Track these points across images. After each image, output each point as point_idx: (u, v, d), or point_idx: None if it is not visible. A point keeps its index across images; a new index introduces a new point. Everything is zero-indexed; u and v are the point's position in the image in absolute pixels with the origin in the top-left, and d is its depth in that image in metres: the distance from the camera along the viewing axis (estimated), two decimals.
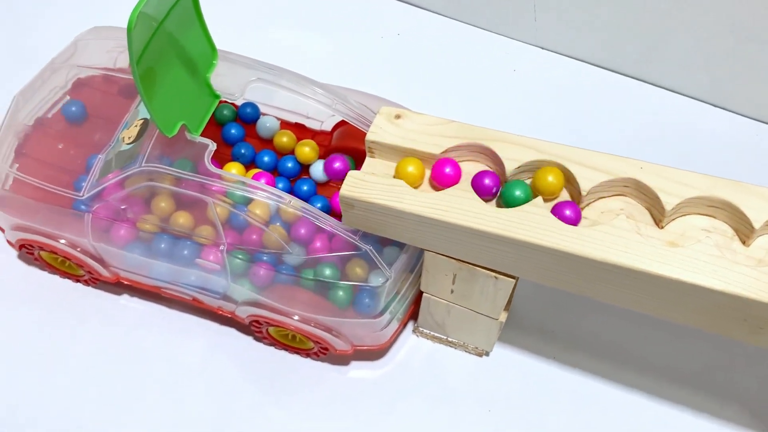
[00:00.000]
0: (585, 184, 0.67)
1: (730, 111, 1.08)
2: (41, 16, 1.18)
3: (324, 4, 1.20)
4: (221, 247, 0.79)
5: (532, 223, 0.66)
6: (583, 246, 0.64)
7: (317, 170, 0.86)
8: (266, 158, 0.87)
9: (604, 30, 1.08)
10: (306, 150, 0.87)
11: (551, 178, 0.68)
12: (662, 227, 0.66)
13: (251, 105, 0.90)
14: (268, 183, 0.80)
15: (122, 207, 0.80)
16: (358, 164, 0.87)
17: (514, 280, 0.72)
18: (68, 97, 0.90)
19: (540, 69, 1.14)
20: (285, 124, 0.91)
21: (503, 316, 0.80)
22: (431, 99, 1.08)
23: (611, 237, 0.64)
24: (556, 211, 0.67)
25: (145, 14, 0.68)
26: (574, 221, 0.67)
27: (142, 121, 0.81)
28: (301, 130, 0.91)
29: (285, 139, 0.89)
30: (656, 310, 0.67)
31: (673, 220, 0.67)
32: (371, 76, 1.12)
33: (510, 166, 0.69)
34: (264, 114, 0.91)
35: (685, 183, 0.66)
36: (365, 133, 0.76)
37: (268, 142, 0.90)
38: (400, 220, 0.70)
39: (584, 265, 0.65)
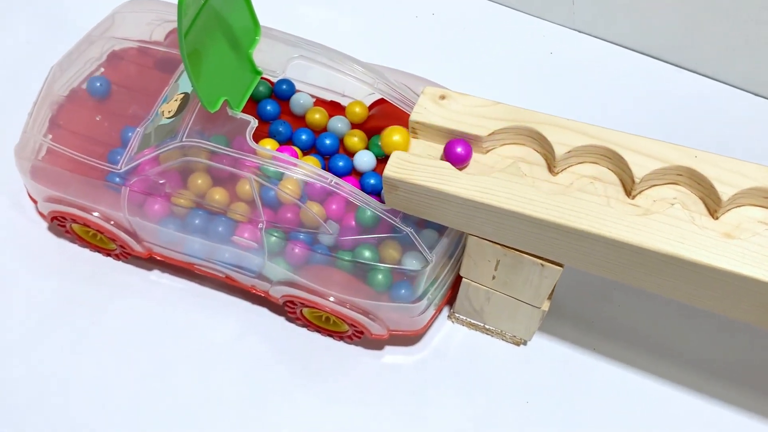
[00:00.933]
0: (638, 171, 0.65)
1: None
2: None
3: None
4: (260, 225, 0.78)
5: (583, 210, 0.65)
6: (636, 235, 0.63)
7: (361, 160, 0.84)
8: (304, 136, 0.85)
9: (642, 14, 1.07)
10: (354, 140, 0.86)
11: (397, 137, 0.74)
12: (717, 218, 0.65)
13: (287, 82, 0.88)
14: (291, 156, 0.79)
15: (160, 181, 0.79)
16: None
17: (561, 269, 0.71)
18: (102, 69, 0.89)
19: (576, 52, 1.12)
20: (320, 102, 0.89)
21: (546, 305, 0.79)
22: (465, 80, 1.06)
23: (666, 226, 0.63)
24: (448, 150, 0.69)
25: None
26: (465, 158, 0.69)
27: (182, 95, 0.80)
28: (335, 108, 0.89)
29: (317, 116, 0.87)
30: (710, 304, 0.66)
31: (728, 210, 0.65)
32: (405, 55, 1.10)
33: (560, 151, 0.67)
34: (299, 91, 0.89)
35: (741, 173, 0.64)
36: (404, 112, 0.75)
37: (301, 119, 0.89)
38: (446, 203, 0.69)
39: (637, 255, 0.64)
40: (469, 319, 0.87)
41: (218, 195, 0.79)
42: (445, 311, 0.89)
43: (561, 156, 0.67)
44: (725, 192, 0.64)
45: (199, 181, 0.79)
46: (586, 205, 0.65)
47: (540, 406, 0.84)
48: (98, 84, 0.87)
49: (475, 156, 0.71)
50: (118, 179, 0.80)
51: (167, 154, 0.77)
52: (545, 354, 0.87)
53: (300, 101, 0.88)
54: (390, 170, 0.69)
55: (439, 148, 0.71)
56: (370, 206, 0.75)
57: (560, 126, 0.69)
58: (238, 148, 0.76)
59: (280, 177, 0.76)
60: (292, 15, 1.14)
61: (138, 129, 0.82)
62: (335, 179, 0.75)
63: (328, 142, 0.85)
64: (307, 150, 0.86)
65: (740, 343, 0.87)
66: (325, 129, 0.88)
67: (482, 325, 0.87)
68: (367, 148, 0.86)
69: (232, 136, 0.77)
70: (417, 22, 1.15)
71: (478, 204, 0.67)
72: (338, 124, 0.87)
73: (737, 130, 1.04)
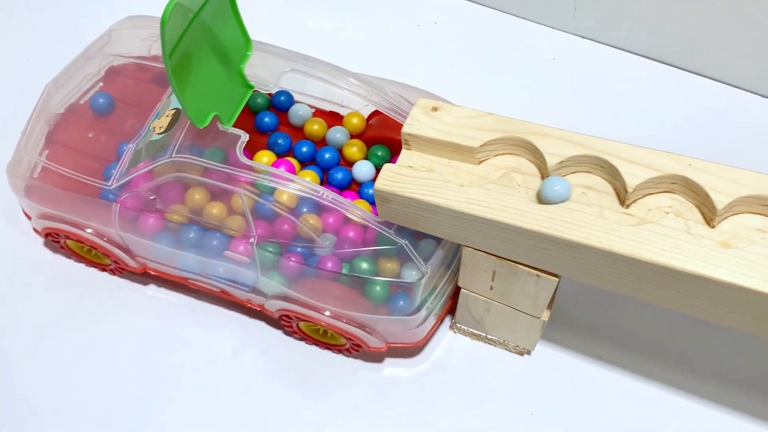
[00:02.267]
0: (631, 180, 0.64)
1: None
2: (77, 4, 1.16)
3: None
4: (251, 240, 0.77)
5: (576, 221, 0.64)
6: (630, 246, 0.62)
7: (360, 170, 0.84)
8: (304, 149, 0.85)
9: (646, 18, 1.06)
10: (353, 150, 0.85)
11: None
12: (713, 226, 0.64)
13: (285, 93, 0.88)
14: (288, 170, 0.79)
15: (151, 197, 0.79)
16: (393, 154, 0.85)
17: (557, 279, 0.70)
18: (101, 84, 0.89)
19: (580, 58, 1.11)
20: (319, 113, 0.89)
21: (546, 315, 0.78)
22: (468, 88, 1.06)
23: (660, 237, 0.62)
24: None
25: (181, 5, 0.67)
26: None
27: (174, 111, 0.80)
28: (334, 118, 0.89)
29: (316, 126, 0.87)
30: (708, 314, 0.65)
31: (725, 219, 0.64)
32: (408, 64, 1.10)
33: (552, 161, 0.67)
34: (297, 102, 0.89)
35: (737, 181, 0.63)
36: (401, 124, 0.74)
37: (300, 130, 0.88)
38: (439, 216, 0.69)
39: (631, 266, 0.63)
40: (470, 329, 0.86)
41: (210, 210, 0.79)
42: (447, 321, 0.88)
43: (553, 166, 0.67)
44: (720, 200, 0.62)
45: (192, 197, 0.79)
46: (579, 215, 0.64)
47: (545, 417, 0.83)
48: (101, 100, 0.87)
49: (468, 167, 0.70)
50: (110, 195, 0.80)
51: (158, 169, 0.77)
52: (549, 363, 0.85)
53: (299, 112, 0.88)
54: (381, 183, 0.69)
55: (433, 160, 0.71)
56: (362, 218, 0.75)
57: (552, 136, 0.68)
58: (232, 163, 0.75)
59: (272, 191, 0.75)
60: (294, 25, 1.14)
61: (130, 145, 0.82)
62: (330, 194, 0.75)
63: (327, 156, 0.85)
64: (307, 162, 0.85)
65: (750, 350, 0.86)
66: (324, 139, 0.87)
67: (484, 335, 0.86)
68: (366, 158, 0.85)
69: (227, 150, 0.77)
70: (419, 31, 1.14)
71: (471, 216, 0.66)
72: (337, 134, 0.86)
73: (745, 134, 1.03)
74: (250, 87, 0.81)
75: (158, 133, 0.79)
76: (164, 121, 0.80)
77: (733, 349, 0.86)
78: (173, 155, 0.76)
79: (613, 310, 0.88)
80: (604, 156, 0.66)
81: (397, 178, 0.69)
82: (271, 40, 0.84)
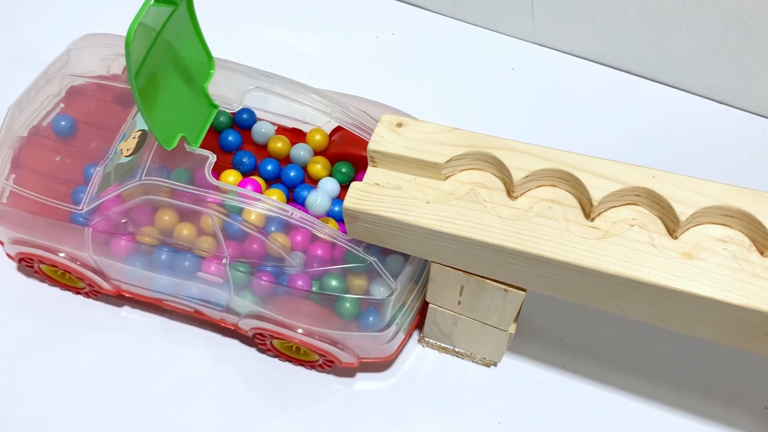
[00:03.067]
0: (596, 194, 0.65)
1: (735, 108, 1.07)
2: (33, 23, 1.15)
3: (317, 4, 1.18)
4: (224, 260, 0.77)
5: (543, 236, 0.65)
6: (596, 259, 0.63)
7: (326, 186, 0.84)
8: (269, 167, 0.85)
9: (605, 25, 1.07)
10: (317, 167, 0.85)
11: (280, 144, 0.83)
12: (676, 237, 0.65)
13: (248, 111, 0.88)
14: (254, 189, 0.79)
15: (123, 220, 0.79)
16: (357, 170, 0.85)
17: (524, 293, 0.71)
18: (62, 105, 0.88)
19: (539, 67, 1.12)
20: (282, 130, 0.89)
21: (513, 328, 0.79)
22: (427, 98, 1.07)
23: (625, 249, 0.63)
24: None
25: (144, 24, 0.66)
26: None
27: (140, 132, 0.80)
28: (297, 135, 0.89)
29: (279, 144, 0.87)
30: (674, 325, 0.66)
31: (687, 229, 0.65)
32: (367, 76, 1.10)
33: (517, 176, 0.67)
34: (260, 119, 0.89)
35: (700, 192, 0.64)
36: (364, 140, 0.74)
37: (264, 148, 0.88)
38: (406, 233, 0.69)
39: (597, 279, 0.64)
40: (438, 343, 0.87)
41: (182, 231, 0.79)
42: (416, 335, 0.89)
43: (519, 180, 0.67)
44: (683, 212, 0.63)
45: (166, 218, 0.79)
46: (545, 230, 0.65)
47: (511, 426, 0.84)
48: (63, 123, 0.86)
49: (434, 183, 0.70)
50: (81, 219, 0.80)
51: (128, 192, 0.77)
52: (516, 374, 0.87)
53: (261, 130, 0.88)
54: (349, 201, 0.69)
55: (399, 176, 0.71)
56: (330, 236, 0.75)
57: (517, 150, 0.68)
58: (199, 183, 0.75)
59: (241, 211, 0.75)
60: (252, 39, 1.14)
61: (98, 168, 0.81)
62: (297, 212, 0.75)
63: (292, 174, 0.85)
64: (272, 180, 0.86)
65: (714, 356, 0.87)
66: (288, 156, 0.87)
67: (452, 348, 0.87)
68: (330, 174, 0.86)
69: (194, 171, 0.77)
70: (377, 42, 1.15)
71: (438, 233, 0.67)
72: (301, 151, 0.86)
73: (704, 141, 1.04)
74: (215, 106, 0.80)
75: (126, 156, 0.79)
76: (131, 143, 0.79)
77: (692, 355, 0.88)
78: (142, 178, 0.76)
79: (575, 320, 0.90)
80: (569, 169, 0.66)
81: (365, 197, 0.69)
82: (226, 55, 0.84)
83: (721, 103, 1.07)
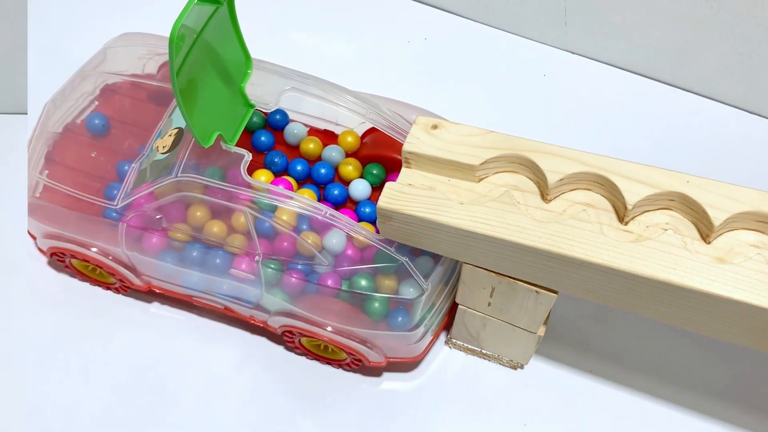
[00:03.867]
0: (630, 198, 0.65)
1: (765, 117, 1.07)
2: (72, 23, 1.16)
3: (349, 9, 1.19)
4: (256, 258, 0.78)
5: (577, 238, 0.65)
6: (630, 262, 0.63)
7: (356, 189, 0.85)
8: (299, 167, 0.85)
9: (636, 34, 1.07)
10: (349, 169, 0.86)
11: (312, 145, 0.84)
12: (709, 242, 0.65)
13: (281, 112, 0.88)
14: (286, 188, 0.79)
15: (157, 216, 0.79)
16: (389, 172, 0.86)
17: (555, 295, 0.71)
18: (96, 103, 0.89)
19: (570, 74, 1.12)
20: (314, 131, 0.90)
21: (542, 330, 0.79)
22: (458, 103, 1.07)
23: (659, 253, 0.63)
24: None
25: (185, 26, 0.67)
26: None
27: (176, 130, 0.80)
28: (329, 137, 0.89)
29: (311, 145, 0.87)
30: (705, 329, 0.66)
31: (721, 235, 0.65)
32: (398, 81, 1.11)
33: (552, 179, 0.68)
34: (293, 120, 0.89)
35: (734, 198, 0.64)
36: (396, 141, 0.74)
37: (296, 149, 0.89)
38: (440, 233, 0.69)
39: (631, 282, 0.64)
40: (466, 345, 0.87)
41: (215, 228, 0.79)
42: (443, 337, 0.89)
43: (553, 183, 0.68)
44: (717, 217, 0.64)
45: (196, 215, 0.79)
46: (579, 232, 0.65)
47: (538, 428, 0.84)
48: (96, 121, 0.87)
49: (468, 185, 0.71)
50: (115, 215, 0.81)
51: (163, 189, 0.78)
52: (542, 377, 0.87)
53: (294, 131, 0.88)
54: (383, 201, 0.69)
55: (433, 178, 0.71)
56: (363, 236, 0.76)
57: (552, 153, 0.69)
58: (233, 181, 0.76)
59: (274, 209, 0.76)
60: (285, 43, 1.14)
61: (133, 165, 0.82)
62: (330, 211, 0.76)
63: (323, 171, 0.85)
64: (303, 180, 0.86)
65: (737, 362, 0.87)
66: (319, 158, 0.88)
67: (479, 350, 0.87)
68: (361, 176, 0.86)
69: (227, 169, 0.77)
70: (409, 48, 1.15)
71: (472, 234, 0.67)
72: (332, 153, 0.87)
73: (733, 150, 1.04)
74: (251, 106, 0.81)
75: (162, 153, 0.80)
76: (167, 140, 0.80)
77: (719, 362, 0.88)
78: (179, 174, 0.76)
79: (603, 325, 0.90)
80: (603, 173, 0.67)
81: (399, 197, 0.69)
82: (261, 58, 0.84)
83: (751, 112, 1.07)
